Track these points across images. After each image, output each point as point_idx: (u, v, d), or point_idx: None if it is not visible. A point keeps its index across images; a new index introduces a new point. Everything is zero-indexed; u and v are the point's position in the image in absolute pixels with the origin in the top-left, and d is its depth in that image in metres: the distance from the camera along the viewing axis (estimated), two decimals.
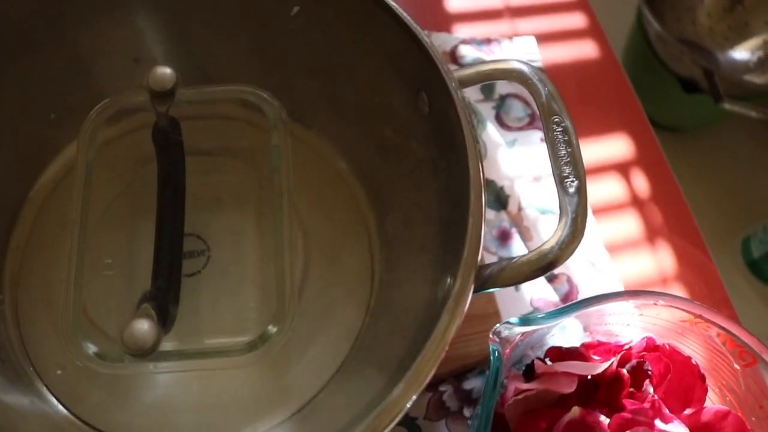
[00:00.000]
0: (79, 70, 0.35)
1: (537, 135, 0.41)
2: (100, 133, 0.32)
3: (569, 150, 0.26)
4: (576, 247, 0.24)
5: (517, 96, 0.42)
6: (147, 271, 0.30)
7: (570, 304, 0.26)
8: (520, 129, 0.41)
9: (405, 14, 0.29)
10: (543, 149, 0.42)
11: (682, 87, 0.91)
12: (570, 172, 0.25)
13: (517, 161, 0.39)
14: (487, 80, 0.28)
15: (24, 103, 0.34)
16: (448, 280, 0.25)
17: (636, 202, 0.42)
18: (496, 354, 0.24)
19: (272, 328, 0.27)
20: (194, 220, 0.32)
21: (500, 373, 0.24)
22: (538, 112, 0.43)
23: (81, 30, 0.33)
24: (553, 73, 0.45)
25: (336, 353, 0.30)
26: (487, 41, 0.45)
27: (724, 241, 0.95)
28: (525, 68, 0.28)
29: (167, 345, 0.29)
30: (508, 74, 0.28)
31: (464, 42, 0.44)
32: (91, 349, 0.27)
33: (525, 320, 0.25)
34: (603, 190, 0.41)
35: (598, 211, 0.40)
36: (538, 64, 0.45)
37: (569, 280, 0.37)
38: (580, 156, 0.26)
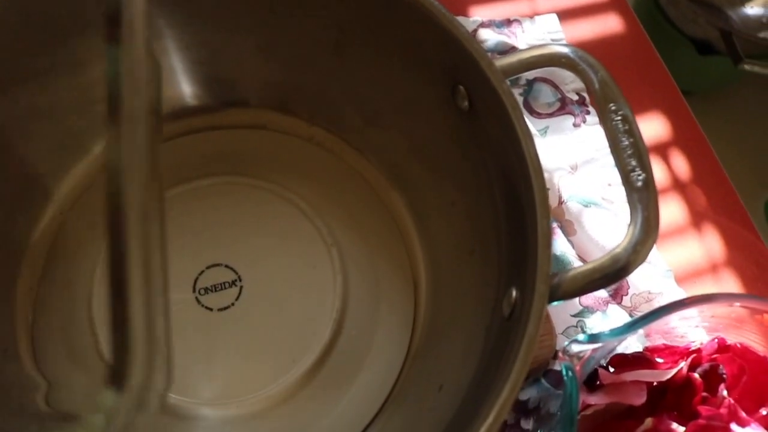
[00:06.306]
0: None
1: (569, 121, 0.39)
2: None
3: (632, 140, 0.23)
4: (651, 247, 0.22)
5: (545, 80, 0.39)
6: None
7: (639, 319, 0.24)
8: (551, 115, 0.39)
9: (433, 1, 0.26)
10: (576, 136, 0.40)
11: (696, 49, 0.88)
12: (636, 165, 0.23)
13: (552, 151, 0.37)
14: (531, 68, 0.25)
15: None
16: (513, 293, 0.22)
17: (678, 184, 0.39)
18: (570, 373, 0.22)
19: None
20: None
21: (578, 391, 0.22)
22: (568, 96, 0.40)
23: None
24: None
25: (383, 382, 0.28)
26: (507, 22, 0.42)
27: (747, 205, 0.92)
28: (571, 53, 0.25)
29: None
30: (555, 60, 0.25)
31: (483, 25, 0.41)
32: None
33: (593, 337, 0.23)
34: None
35: None
36: (563, 43, 0.42)
37: None
38: (645, 145, 0.23)
